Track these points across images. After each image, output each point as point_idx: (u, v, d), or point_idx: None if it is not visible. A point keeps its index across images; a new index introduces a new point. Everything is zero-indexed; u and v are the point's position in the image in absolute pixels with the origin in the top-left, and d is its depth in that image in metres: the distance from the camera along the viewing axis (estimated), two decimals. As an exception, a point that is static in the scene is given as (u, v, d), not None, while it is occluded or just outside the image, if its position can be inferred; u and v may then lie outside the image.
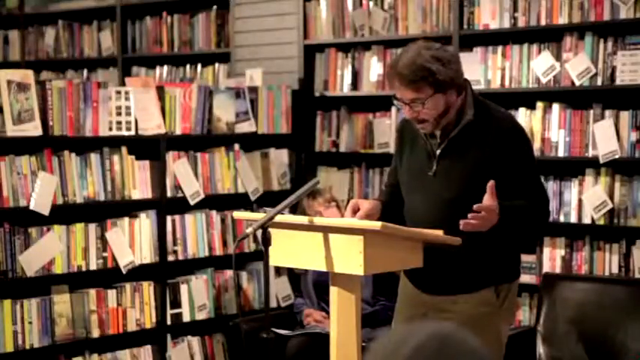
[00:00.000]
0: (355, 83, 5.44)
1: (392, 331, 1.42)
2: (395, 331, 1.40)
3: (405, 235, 3.13)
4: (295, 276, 5.14)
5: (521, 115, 4.77)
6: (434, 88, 3.15)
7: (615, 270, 4.55)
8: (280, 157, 5.46)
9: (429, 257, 3.20)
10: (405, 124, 3.45)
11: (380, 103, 5.38)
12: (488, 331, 3.25)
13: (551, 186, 4.70)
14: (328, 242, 3.07)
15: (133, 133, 4.74)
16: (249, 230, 3.05)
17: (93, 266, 4.58)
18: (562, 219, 4.68)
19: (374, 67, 5.35)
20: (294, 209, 4.64)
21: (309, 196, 4.67)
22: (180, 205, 4.96)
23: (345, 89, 5.49)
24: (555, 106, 4.71)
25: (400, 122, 3.53)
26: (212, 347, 5.12)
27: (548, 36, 4.73)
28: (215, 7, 6.11)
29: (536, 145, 4.73)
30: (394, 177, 3.50)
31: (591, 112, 4.60)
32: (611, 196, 4.54)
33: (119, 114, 4.69)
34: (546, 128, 4.72)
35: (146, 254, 4.79)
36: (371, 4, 5.33)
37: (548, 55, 4.71)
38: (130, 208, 4.76)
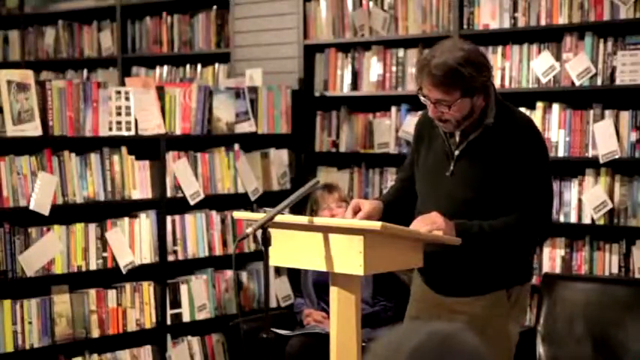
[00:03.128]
0: (355, 83, 5.44)
1: (393, 330, 1.41)
2: (396, 331, 1.40)
3: (405, 235, 3.12)
4: (295, 276, 5.14)
5: (521, 115, 4.78)
6: (462, 93, 3.11)
7: (615, 270, 4.55)
8: (280, 157, 5.46)
9: (441, 259, 3.21)
10: (424, 119, 3.42)
11: (380, 103, 5.38)
12: (499, 332, 3.26)
13: (551, 186, 4.70)
14: (328, 242, 3.07)
15: (133, 133, 4.74)
16: (249, 230, 3.05)
17: (93, 266, 4.58)
18: (562, 219, 4.68)
19: (374, 67, 5.35)
20: (305, 198, 4.64)
21: (325, 189, 4.73)
22: (180, 205, 4.96)
23: (345, 89, 5.49)
24: (555, 106, 4.71)
25: (420, 118, 3.51)
26: (212, 347, 5.12)
27: (548, 36, 4.73)
28: (215, 7, 6.11)
29: (536, 145, 4.73)
30: (408, 171, 3.48)
31: (591, 112, 4.60)
32: (611, 196, 4.54)
33: (119, 114, 4.69)
34: (546, 128, 4.72)
35: (146, 254, 4.79)
36: (371, 4, 5.33)
37: (548, 55, 4.71)
38: (130, 208, 4.76)
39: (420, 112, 3.72)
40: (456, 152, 3.26)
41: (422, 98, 3.20)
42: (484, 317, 3.22)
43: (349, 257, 3.02)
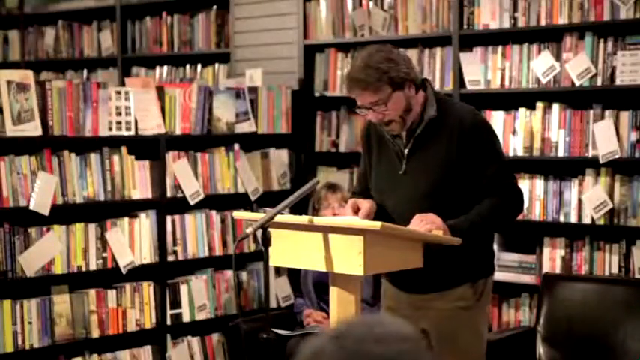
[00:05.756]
0: (355, 83, 5.43)
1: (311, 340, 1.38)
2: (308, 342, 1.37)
3: (405, 235, 3.13)
4: (295, 276, 5.14)
5: (521, 115, 4.78)
6: (392, 87, 3.22)
7: (615, 270, 4.55)
8: (280, 157, 5.45)
9: None
10: (369, 128, 3.50)
11: (380, 103, 5.37)
12: (467, 326, 3.34)
13: (551, 186, 4.70)
14: (328, 242, 3.07)
15: (132, 133, 4.74)
16: (249, 230, 3.05)
17: (93, 266, 4.58)
18: (562, 219, 4.68)
19: (374, 67, 5.34)
20: (306, 198, 4.65)
21: (329, 189, 4.77)
22: (180, 205, 4.95)
23: (345, 89, 5.47)
24: (555, 106, 4.71)
25: (363, 128, 3.58)
26: (212, 347, 5.12)
27: (548, 36, 4.73)
28: (215, 7, 6.10)
29: (536, 145, 4.73)
30: (365, 182, 3.53)
31: (591, 112, 4.60)
32: (611, 196, 4.53)
33: (119, 114, 4.69)
34: (546, 128, 4.72)
35: (146, 254, 4.79)
36: (371, 4, 5.33)
37: (548, 55, 4.71)
38: (130, 208, 4.76)
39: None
40: (406, 151, 3.33)
41: (359, 110, 3.30)
42: (449, 312, 3.30)
43: (349, 257, 3.02)
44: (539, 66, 4.72)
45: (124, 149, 4.70)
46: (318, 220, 3.17)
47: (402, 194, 3.32)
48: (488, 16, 4.88)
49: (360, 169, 3.60)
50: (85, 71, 6.96)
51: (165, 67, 6.43)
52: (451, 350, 3.30)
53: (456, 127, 3.26)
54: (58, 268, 4.45)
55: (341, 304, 3.16)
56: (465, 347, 3.36)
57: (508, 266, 4.84)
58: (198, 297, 5.01)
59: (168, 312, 4.89)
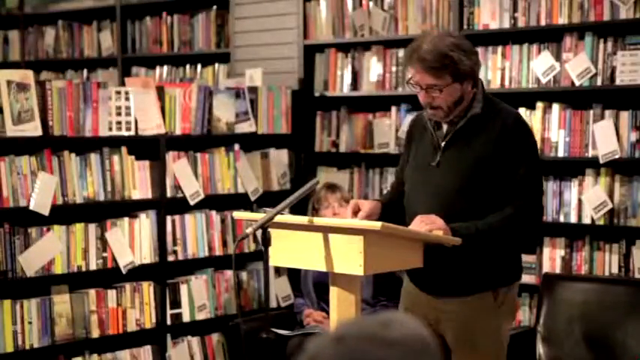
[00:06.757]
0: (355, 83, 5.44)
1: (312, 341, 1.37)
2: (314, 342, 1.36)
3: (405, 235, 3.12)
4: (295, 276, 5.14)
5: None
6: (453, 77, 3.18)
7: (615, 270, 4.55)
8: (280, 157, 5.45)
9: (428, 258, 3.21)
10: (415, 122, 3.48)
11: (380, 103, 5.38)
12: (487, 331, 3.29)
13: (551, 186, 4.70)
14: (328, 242, 3.07)
15: (132, 133, 4.74)
16: (249, 230, 3.05)
17: (93, 266, 4.58)
18: (562, 219, 4.68)
19: (374, 67, 5.35)
20: (306, 197, 4.65)
21: (328, 189, 4.77)
22: (180, 205, 4.95)
23: (345, 89, 5.48)
24: (555, 106, 4.71)
25: (411, 121, 3.56)
26: (212, 347, 5.12)
27: (548, 36, 4.73)
28: (215, 7, 6.11)
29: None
30: (401, 172, 3.51)
31: (591, 112, 4.60)
32: (611, 196, 4.54)
33: (119, 114, 4.69)
34: (546, 128, 4.72)
35: (146, 254, 4.79)
36: (371, 4, 5.33)
37: (548, 55, 4.71)
38: (130, 208, 4.76)
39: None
40: (443, 143, 3.29)
41: (412, 87, 3.25)
42: (470, 317, 3.26)
43: (349, 257, 3.02)
44: (539, 66, 4.72)
45: (124, 149, 4.70)
46: (318, 220, 3.17)
47: (431, 186, 3.28)
48: (489, 16, 4.88)
49: (400, 162, 3.56)
50: (85, 71, 6.96)
51: (165, 67, 6.43)
52: (468, 356, 3.28)
53: (498, 125, 3.23)
54: (58, 268, 4.45)
55: (341, 304, 3.15)
56: (482, 355, 3.32)
57: (508, 266, 4.84)
58: (198, 297, 5.01)
59: (168, 312, 4.89)
